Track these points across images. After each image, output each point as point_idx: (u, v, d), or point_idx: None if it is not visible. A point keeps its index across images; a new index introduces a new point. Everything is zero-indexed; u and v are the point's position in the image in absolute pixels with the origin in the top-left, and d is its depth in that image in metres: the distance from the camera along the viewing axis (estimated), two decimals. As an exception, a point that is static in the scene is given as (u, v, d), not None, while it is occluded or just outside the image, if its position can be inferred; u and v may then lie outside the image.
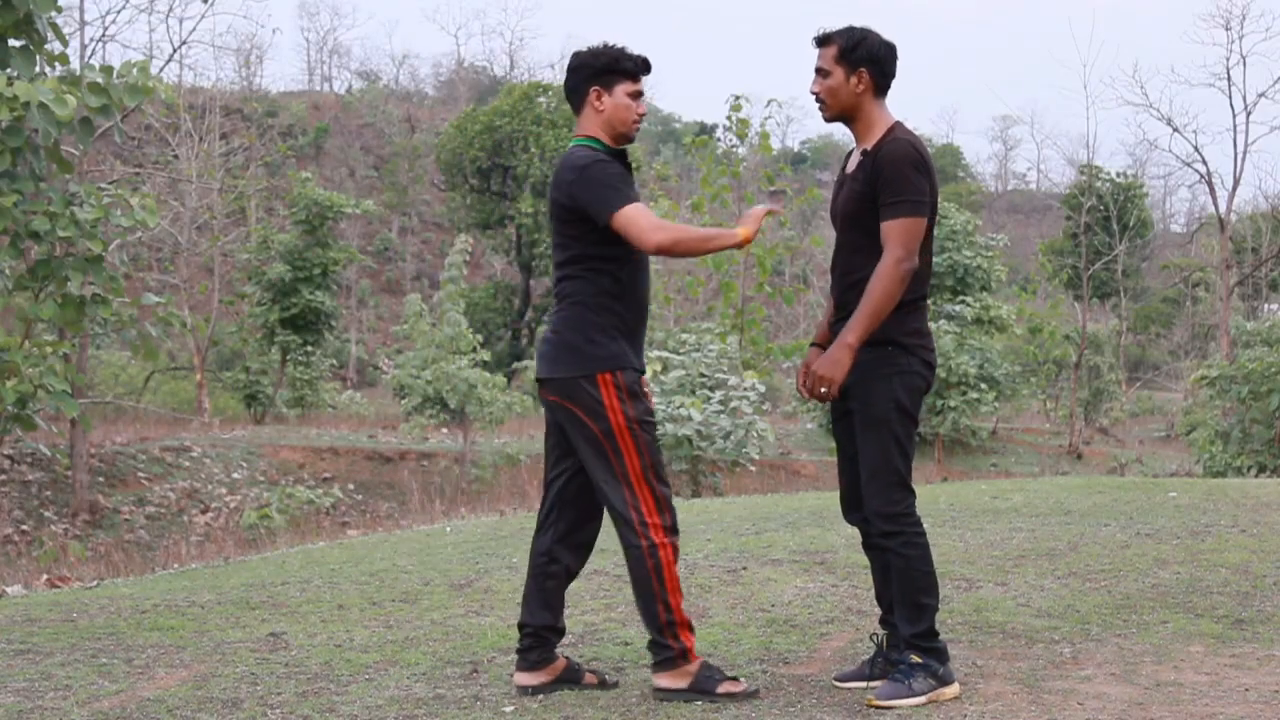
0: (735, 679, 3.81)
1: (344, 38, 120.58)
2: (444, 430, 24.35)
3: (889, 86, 3.86)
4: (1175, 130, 25.75)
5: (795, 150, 74.08)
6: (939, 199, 3.89)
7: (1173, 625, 4.71)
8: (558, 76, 67.11)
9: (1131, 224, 37.81)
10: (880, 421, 3.75)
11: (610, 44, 3.90)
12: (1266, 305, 38.44)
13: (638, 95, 3.89)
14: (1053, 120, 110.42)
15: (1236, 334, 23.68)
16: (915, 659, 3.75)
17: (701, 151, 20.79)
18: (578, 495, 3.93)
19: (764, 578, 5.61)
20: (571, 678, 3.92)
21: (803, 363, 4.00)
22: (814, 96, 3.87)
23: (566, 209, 3.78)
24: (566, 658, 3.99)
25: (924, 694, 3.71)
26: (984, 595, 5.29)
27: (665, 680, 3.78)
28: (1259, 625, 4.70)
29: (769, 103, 20.90)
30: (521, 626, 3.94)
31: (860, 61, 3.79)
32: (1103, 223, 36.43)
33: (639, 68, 3.88)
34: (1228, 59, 25.82)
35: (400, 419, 25.24)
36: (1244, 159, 26.46)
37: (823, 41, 3.85)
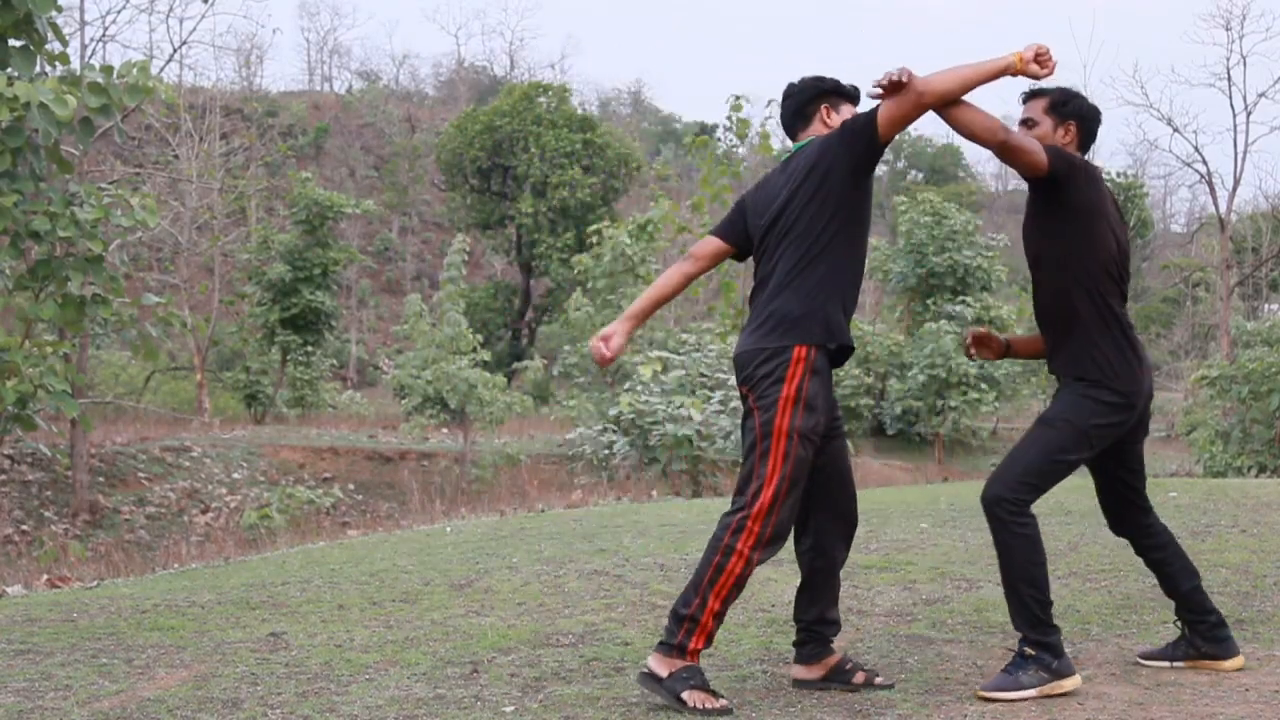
0: (714, 694, 3.68)
1: (344, 38, 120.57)
2: (444, 430, 24.36)
3: (1090, 147, 3.97)
4: (1175, 130, 25.75)
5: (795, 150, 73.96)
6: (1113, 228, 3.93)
7: (1173, 625, 4.71)
8: (558, 76, 67.25)
9: (1132, 224, 37.78)
10: (1044, 421, 3.86)
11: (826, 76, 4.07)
12: (1266, 305, 38.44)
13: None
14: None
15: (1236, 334, 23.68)
16: (1028, 651, 3.77)
17: (702, 151, 20.80)
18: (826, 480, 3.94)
19: (764, 578, 5.60)
20: (841, 676, 3.90)
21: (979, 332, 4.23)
22: None
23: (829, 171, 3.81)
24: (842, 654, 3.98)
25: (1034, 686, 3.71)
26: (984, 595, 5.29)
27: (653, 661, 3.73)
28: (1259, 625, 4.70)
29: (769, 103, 20.90)
30: (795, 621, 3.99)
31: (1070, 115, 3.92)
32: (1103, 223, 36.38)
33: (856, 93, 4.06)
34: (1228, 59, 25.83)
35: (400, 419, 25.26)
36: (1244, 159, 26.50)
37: (1033, 95, 3.96)
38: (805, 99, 4.02)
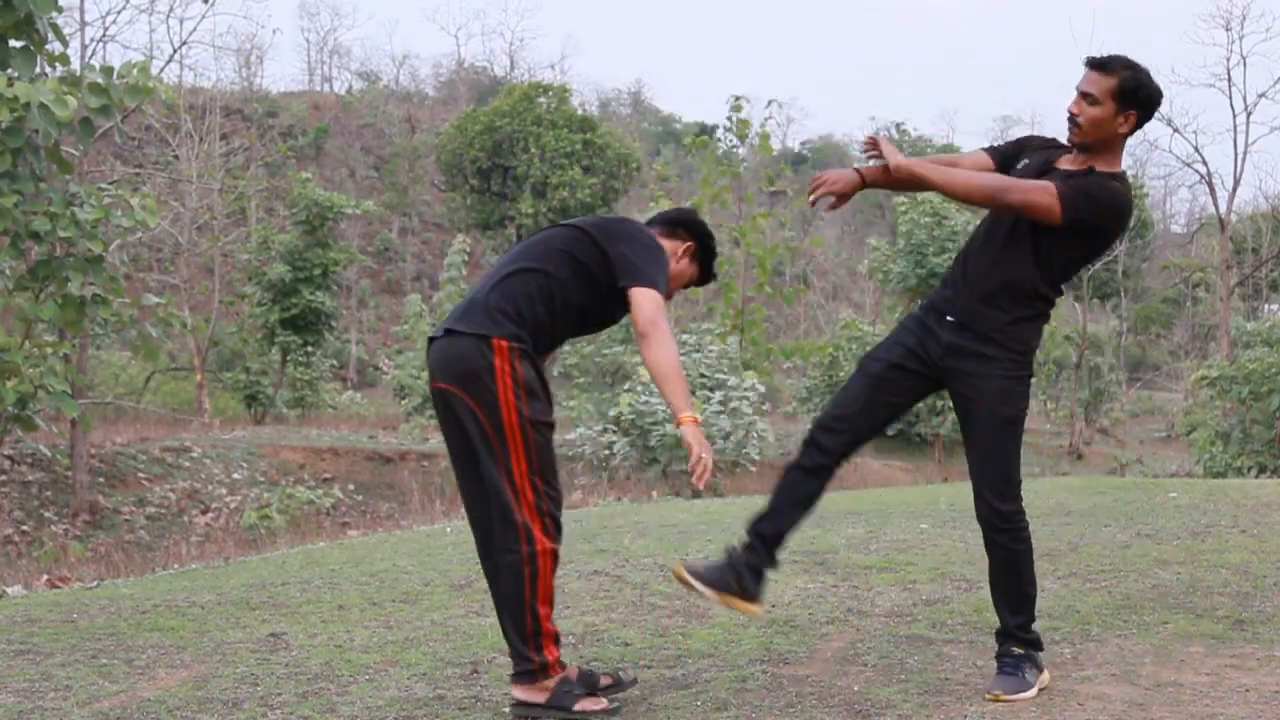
0: (597, 696, 3.65)
1: (344, 38, 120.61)
2: (444, 430, 24.34)
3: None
4: (1175, 130, 25.74)
5: (795, 151, 74.06)
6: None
7: (1173, 626, 4.71)
8: (558, 77, 67.24)
9: (1132, 224, 37.80)
10: (1012, 422, 3.78)
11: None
12: (1266, 305, 38.46)
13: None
14: (1053, 121, 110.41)
15: (1236, 334, 23.69)
16: (1018, 650, 3.81)
17: (702, 152, 20.81)
18: None
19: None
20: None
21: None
22: (1070, 117, 3.72)
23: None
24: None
25: (1035, 685, 3.78)
26: (984, 595, 5.27)
27: (522, 693, 3.64)
28: (1259, 626, 4.69)
29: (769, 103, 20.95)
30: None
31: (1135, 104, 3.69)
32: (1103, 223, 36.39)
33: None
34: (1228, 59, 25.84)
35: (400, 419, 25.25)
36: (1244, 159, 26.50)
37: (1101, 67, 3.70)
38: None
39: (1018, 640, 3.85)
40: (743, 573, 3.81)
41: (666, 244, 3.91)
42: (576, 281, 3.73)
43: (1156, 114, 3.81)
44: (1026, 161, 3.88)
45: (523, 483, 3.59)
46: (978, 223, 4.00)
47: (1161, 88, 3.76)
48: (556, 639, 3.66)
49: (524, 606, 3.59)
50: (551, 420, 3.70)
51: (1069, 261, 3.80)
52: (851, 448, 3.94)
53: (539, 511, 3.61)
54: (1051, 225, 3.67)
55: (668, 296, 3.79)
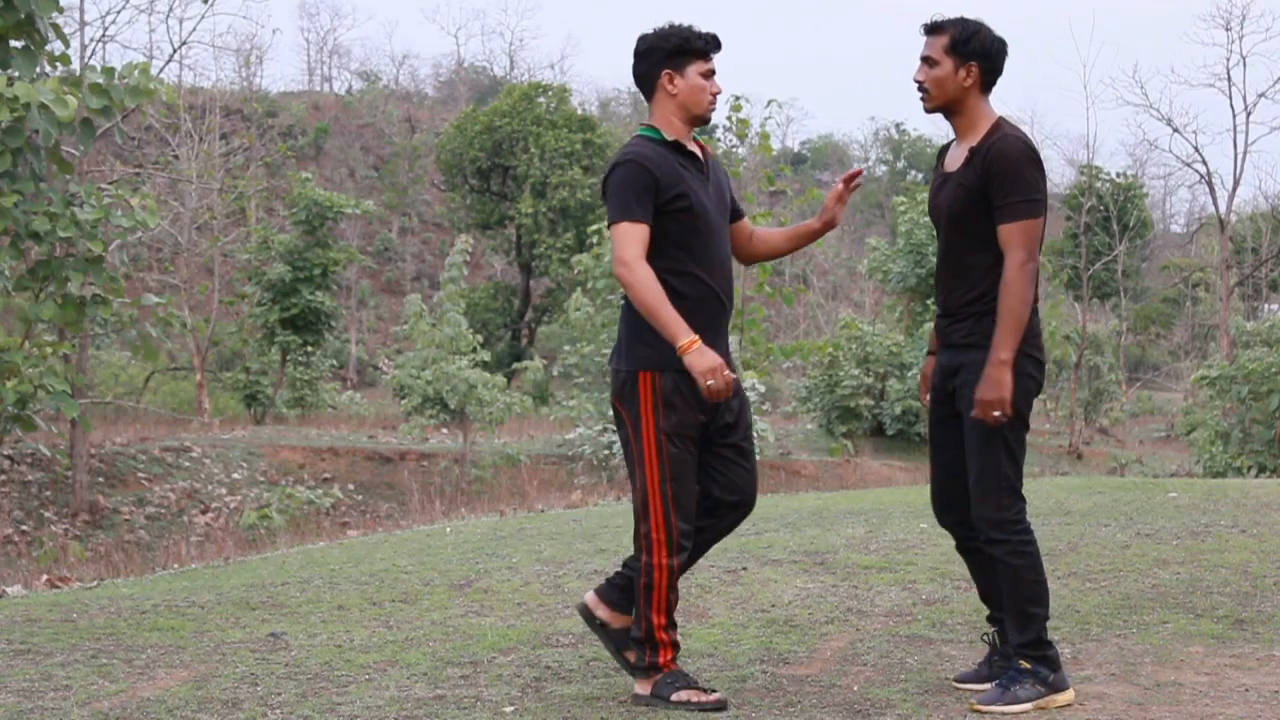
0: (704, 689, 3.75)
1: (344, 38, 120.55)
2: (444, 430, 24.34)
3: (995, 83, 3.78)
4: (1175, 130, 25.81)
5: (795, 150, 74.04)
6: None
7: (1173, 625, 4.71)
8: (558, 77, 67.24)
9: (1131, 224, 37.81)
10: (994, 427, 3.67)
11: (677, 24, 3.79)
12: (1266, 305, 38.45)
13: (710, 74, 3.81)
14: (1053, 120, 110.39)
15: (1236, 334, 23.68)
16: (1024, 664, 3.70)
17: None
18: None
19: (764, 578, 5.61)
20: (615, 637, 3.89)
21: (922, 373, 4.05)
22: (917, 85, 3.77)
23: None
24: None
25: (1030, 701, 3.64)
26: (984, 595, 5.28)
27: (637, 687, 3.84)
28: (1259, 625, 4.70)
29: (769, 103, 20.91)
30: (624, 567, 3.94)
31: (972, 55, 3.71)
32: (1103, 223, 36.45)
33: (709, 45, 3.80)
34: (1228, 59, 25.86)
35: (400, 419, 25.23)
36: (1244, 159, 26.50)
37: (933, 30, 3.75)
38: (648, 64, 3.78)
39: (1028, 656, 3.71)
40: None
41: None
42: None
43: (1004, 67, 3.78)
44: (931, 187, 3.93)
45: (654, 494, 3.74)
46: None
47: (1002, 38, 3.74)
48: (672, 646, 3.81)
49: (638, 613, 3.80)
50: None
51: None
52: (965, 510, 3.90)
53: (666, 525, 3.74)
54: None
55: None
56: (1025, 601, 3.70)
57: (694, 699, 3.69)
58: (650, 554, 3.74)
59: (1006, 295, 3.60)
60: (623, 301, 3.83)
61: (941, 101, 3.76)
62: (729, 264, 3.91)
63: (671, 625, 3.80)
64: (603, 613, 3.92)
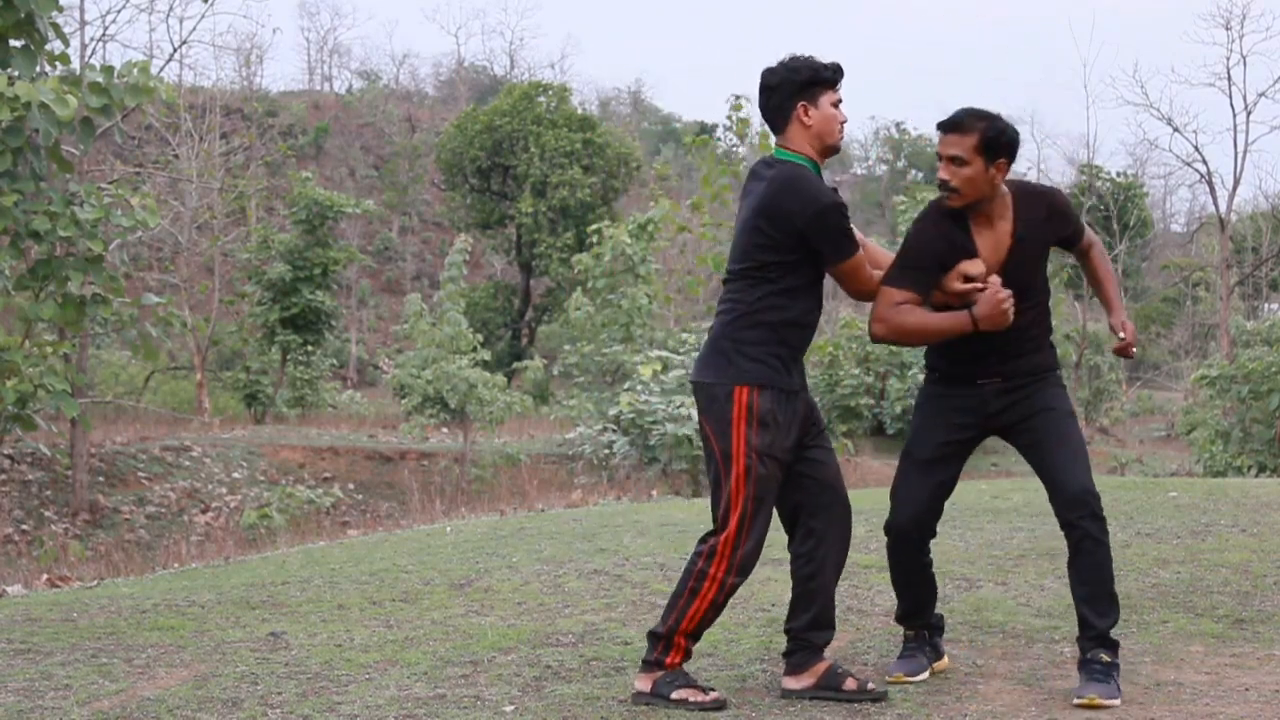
0: (703, 689, 3.78)
1: (344, 37, 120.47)
2: (444, 430, 24.35)
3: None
4: (1175, 130, 25.79)
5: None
6: None
7: (1173, 625, 4.71)
8: (558, 76, 67.20)
9: (1132, 224, 37.83)
10: (1071, 414, 3.96)
11: (800, 56, 3.88)
12: (1266, 305, 38.44)
13: (839, 103, 3.89)
14: (1053, 120, 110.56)
15: (1236, 334, 23.67)
16: (1106, 658, 3.75)
17: (702, 151, 20.80)
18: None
19: (764, 578, 5.60)
20: (832, 681, 3.82)
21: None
22: (942, 184, 3.82)
23: (782, 229, 3.75)
24: (831, 660, 3.90)
25: (1120, 695, 3.73)
26: (984, 595, 5.29)
27: (638, 681, 3.85)
28: (1259, 625, 4.70)
29: (769, 103, 20.87)
30: (785, 630, 3.94)
31: (1001, 152, 3.80)
32: (1103, 222, 36.45)
33: (837, 74, 3.88)
34: (1228, 59, 25.84)
35: (400, 419, 25.23)
36: (1244, 159, 26.46)
37: (958, 128, 3.79)
38: (782, 96, 3.86)
39: (1106, 645, 3.77)
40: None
41: None
42: None
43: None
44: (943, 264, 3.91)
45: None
46: None
47: (1017, 128, 3.89)
48: (685, 652, 3.83)
49: (673, 606, 3.81)
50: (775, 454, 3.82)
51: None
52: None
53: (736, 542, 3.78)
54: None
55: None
56: (1111, 581, 3.83)
57: (692, 698, 3.71)
58: (711, 563, 3.77)
59: (1108, 266, 4.21)
60: (719, 315, 3.88)
61: (973, 199, 3.83)
62: None
63: (695, 637, 3.84)
64: (794, 683, 3.85)
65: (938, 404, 4.02)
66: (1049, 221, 3.92)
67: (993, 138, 3.76)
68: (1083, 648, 3.81)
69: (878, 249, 4.13)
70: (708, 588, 3.77)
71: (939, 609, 4.22)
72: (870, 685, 3.82)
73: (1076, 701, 3.66)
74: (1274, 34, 57.71)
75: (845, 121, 3.89)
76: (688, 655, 3.85)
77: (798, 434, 3.83)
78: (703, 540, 3.82)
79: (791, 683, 3.84)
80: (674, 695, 3.73)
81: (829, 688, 3.78)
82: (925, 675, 4.00)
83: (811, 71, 3.83)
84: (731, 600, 3.88)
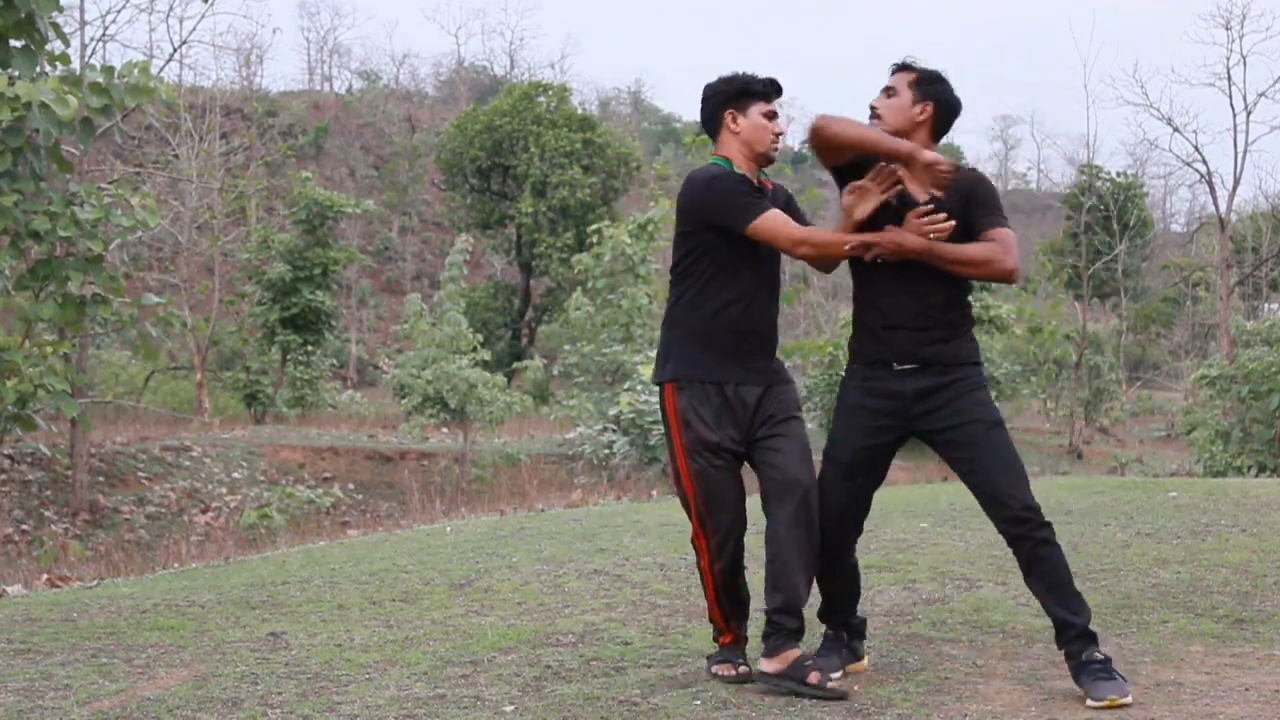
0: (734, 663, 4.02)
1: (344, 37, 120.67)
2: (444, 430, 24.34)
3: (942, 136, 3.99)
4: (1175, 130, 25.78)
5: (795, 150, 74.05)
6: None
7: (1173, 625, 4.71)
8: (558, 76, 67.24)
9: (1131, 224, 37.82)
10: (999, 423, 3.93)
11: (742, 71, 4.05)
12: (1266, 305, 38.43)
13: (772, 116, 4.04)
14: (1053, 120, 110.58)
15: (1236, 334, 23.66)
16: (1100, 655, 3.76)
17: (702, 151, 20.80)
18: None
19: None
20: (798, 673, 3.84)
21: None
22: (871, 110, 3.94)
23: (689, 220, 3.96)
24: (802, 651, 3.94)
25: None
26: (984, 595, 5.29)
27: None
28: (1259, 625, 4.70)
29: (769, 102, 20.87)
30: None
31: (930, 95, 3.92)
32: (1103, 222, 36.45)
33: (769, 89, 4.03)
34: (1228, 59, 25.84)
35: (400, 419, 25.22)
36: (1244, 159, 26.48)
37: (901, 67, 3.99)
38: (712, 106, 4.05)
39: (1092, 641, 3.77)
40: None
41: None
42: None
43: (952, 127, 3.99)
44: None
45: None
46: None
47: (960, 100, 3.95)
48: (730, 634, 4.10)
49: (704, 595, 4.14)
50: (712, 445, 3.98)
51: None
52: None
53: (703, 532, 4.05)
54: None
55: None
56: (1071, 578, 3.86)
57: (721, 672, 3.99)
58: (698, 557, 4.09)
59: (983, 249, 3.91)
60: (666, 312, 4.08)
61: (891, 129, 3.90)
62: (776, 294, 4.12)
63: (727, 618, 4.08)
64: (768, 666, 3.89)
65: (858, 398, 4.01)
66: (969, 203, 3.89)
67: (926, 78, 3.92)
68: (1072, 651, 3.81)
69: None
70: (705, 579, 4.08)
71: (864, 611, 4.35)
72: (831, 683, 3.84)
73: (1095, 704, 3.63)
74: (1274, 34, 57.83)
75: (780, 134, 4.04)
76: (737, 636, 4.07)
77: (738, 427, 3.93)
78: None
79: (766, 665, 3.91)
80: (712, 669, 4.00)
81: (793, 678, 3.82)
82: (839, 675, 3.97)
83: (744, 83, 4.03)
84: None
